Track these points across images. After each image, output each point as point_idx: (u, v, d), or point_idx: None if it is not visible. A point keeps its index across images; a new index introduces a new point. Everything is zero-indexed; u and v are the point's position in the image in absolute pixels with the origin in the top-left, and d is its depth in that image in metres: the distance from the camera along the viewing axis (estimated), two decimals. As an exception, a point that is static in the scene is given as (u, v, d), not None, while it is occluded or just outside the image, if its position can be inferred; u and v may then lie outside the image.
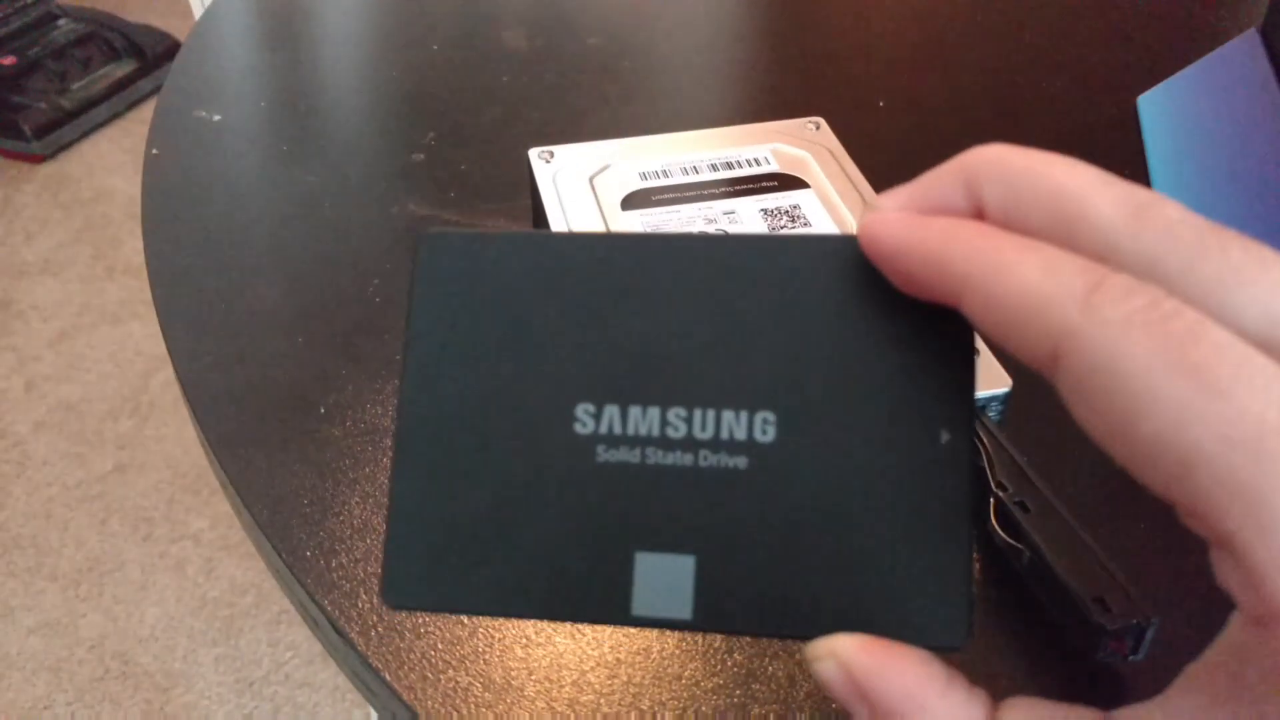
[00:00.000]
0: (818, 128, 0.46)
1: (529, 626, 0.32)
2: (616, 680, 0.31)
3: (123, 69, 1.92)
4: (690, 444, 0.19)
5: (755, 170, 0.44)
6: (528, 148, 0.45)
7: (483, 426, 0.20)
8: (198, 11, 1.60)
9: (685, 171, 0.44)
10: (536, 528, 0.20)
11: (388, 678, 0.31)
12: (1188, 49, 0.55)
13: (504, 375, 0.20)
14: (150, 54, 1.94)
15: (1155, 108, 0.53)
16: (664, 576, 0.19)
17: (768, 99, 0.58)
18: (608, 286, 0.20)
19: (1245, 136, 0.45)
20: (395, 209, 0.49)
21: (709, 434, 0.19)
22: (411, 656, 0.32)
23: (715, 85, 0.59)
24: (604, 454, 0.20)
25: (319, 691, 1.11)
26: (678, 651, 0.32)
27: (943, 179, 0.18)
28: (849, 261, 0.19)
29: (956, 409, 0.19)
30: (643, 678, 0.31)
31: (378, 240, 0.47)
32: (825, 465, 0.19)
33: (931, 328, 0.19)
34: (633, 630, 0.32)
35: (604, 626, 0.32)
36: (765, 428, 0.19)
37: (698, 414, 0.19)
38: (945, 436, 0.19)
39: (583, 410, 0.20)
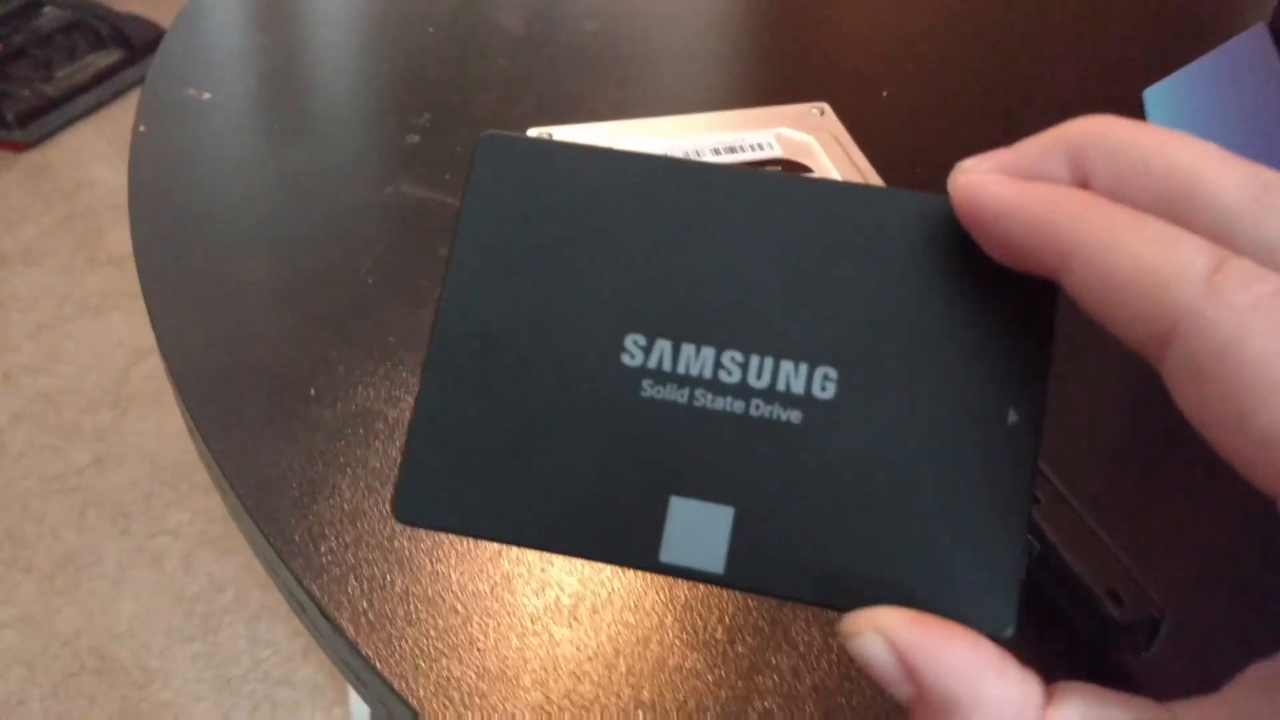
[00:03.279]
0: (822, 113, 0.46)
1: (525, 615, 0.31)
2: (615, 671, 0.30)
3: (108, 58, 1.90)
4: (743, 391, 0.18)
5: (759, 155, 0.43)
6: (525, 130, 0.44)
7: (523, 344, 0.19)
8: None
9: (687, 155, 0.43)
10: (568, 456, 0.18)
11: (378, 666, 0.30)
12: (1196, 42, 0.54)
13: (553, 294, 0.19)
14: (137, 43, 1.92)
15: (1162, 101, 0.52)
16: (699, 525, 0.18)
17: (771, 84, 0.57)
18: (676, 214, 0.19)
19: (1252, 130, 0.45)
20: (389, 190, 0.48)
21: (764, 383, 0.18)
22: (403, 645, 0.31)
23: (717, 69, 0.58)
24: (649, 390, 0.19)
25: (298, 689, 1.09)
26: (678, 643, 0.31)
27: (1044, 147, 0.17)
28: (934, 223, 0.18)
29: (1028, 391, 0.18)
30: (642, 669, 0.30)
31: (371, 221, 0.46)
32: (884, 430, 0.18)
33: (1014, 304, 0.18)
34: (632, 620, 0.31)
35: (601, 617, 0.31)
36: (825, 384, 0.18)
37: (755, 360, 0.18)
38: (1013, 418, 0.18)
39: (632, 341, 0.19)
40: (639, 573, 0.32)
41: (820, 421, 0.18)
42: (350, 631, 0.31)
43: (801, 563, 0.18)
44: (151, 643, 1.12)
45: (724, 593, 0.32)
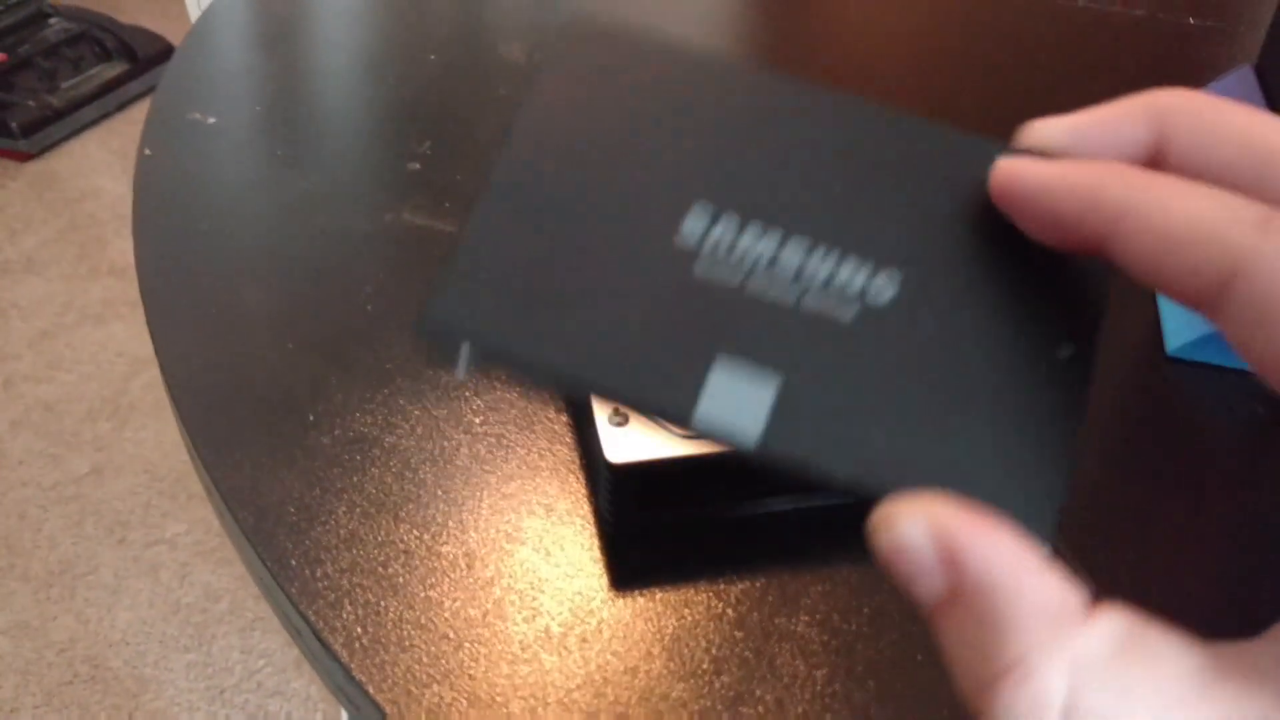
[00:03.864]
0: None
1: (515, 643, 0.32)
2: (602, 700, 0.31)
3: (113, 70, 1.91)
4: (799, 279, 0.18)
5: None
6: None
7: (585, 200, 0.18)
8: (194, 14, 1.60)
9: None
10: (616, 300, 0.18)
11: (370, 691, 0.31)
12: (1182, 84, 0.55)
13: (622, 158, 0.19)
14: (142, 56, 1.93)
15: (1150, 141, 0.53)
16: (742, 387, 0.17)
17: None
18: (750, 113, 0.19)
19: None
20: (389, 217, 0.48)
21: (823, 274, 0.18)
22: (395, 670, 0.31)
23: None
24: (703, 269, 0.18)
25: (291, 700, 1.10)
26: (665, 673, 0.31)
27: (1123, 109, 0.18)
28: None
29: (1084, 327, 0.18)
30: (629, 698, 0.31)
31: (371, 248, 0.47)
32: (938, 340, 0.18)
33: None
34: (620, 650, 0.32)
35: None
36: (886, 287, 0.18)
37: (820, 251, 0.18)
38: (1067, 350, 0.18)
39: (699, 211, 0.18)
40: (633, 583, 0.33)
41: (873, 323, 0.18)
42: (344, 656, 0.32)
43: (844, 442, 0.17)
44: (146, 652, 1.13)
45: (710, 623, 0.33)
